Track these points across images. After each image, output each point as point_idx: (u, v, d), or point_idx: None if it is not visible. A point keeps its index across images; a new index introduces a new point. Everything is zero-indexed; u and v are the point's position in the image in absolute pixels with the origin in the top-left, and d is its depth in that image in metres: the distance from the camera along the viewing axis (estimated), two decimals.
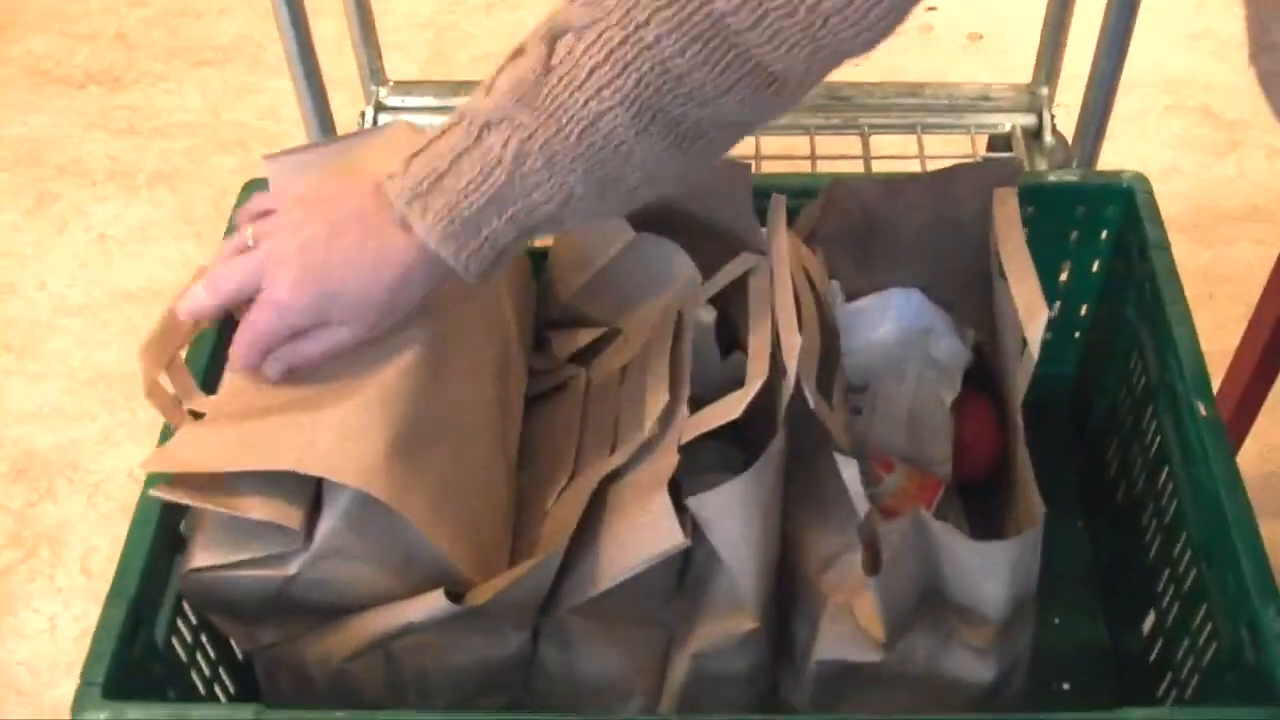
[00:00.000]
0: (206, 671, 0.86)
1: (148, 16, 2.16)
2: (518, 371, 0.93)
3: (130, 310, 1.65)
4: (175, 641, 0.82)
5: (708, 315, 0.93)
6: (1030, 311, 0.82)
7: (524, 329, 0.97)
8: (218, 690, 0.87)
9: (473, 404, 0.84)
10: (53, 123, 1.95)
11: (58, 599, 1.39)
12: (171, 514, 0.80)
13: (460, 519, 0.79)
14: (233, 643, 0.88)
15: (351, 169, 0.84)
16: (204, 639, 0.85)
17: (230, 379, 0.79)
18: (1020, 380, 0.84)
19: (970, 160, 1.28)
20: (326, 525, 0.74)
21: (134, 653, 0.77)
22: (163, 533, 0.80)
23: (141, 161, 1.83)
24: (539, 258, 1.01)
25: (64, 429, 1.54)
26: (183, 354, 0.82)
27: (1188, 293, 0.93)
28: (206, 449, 0.74)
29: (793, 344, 0.78)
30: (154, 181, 1.78)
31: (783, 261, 0.84)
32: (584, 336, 0.98)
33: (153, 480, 0.77)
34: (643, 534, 0.78)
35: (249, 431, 0.74)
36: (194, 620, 0.84)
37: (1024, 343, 0.82)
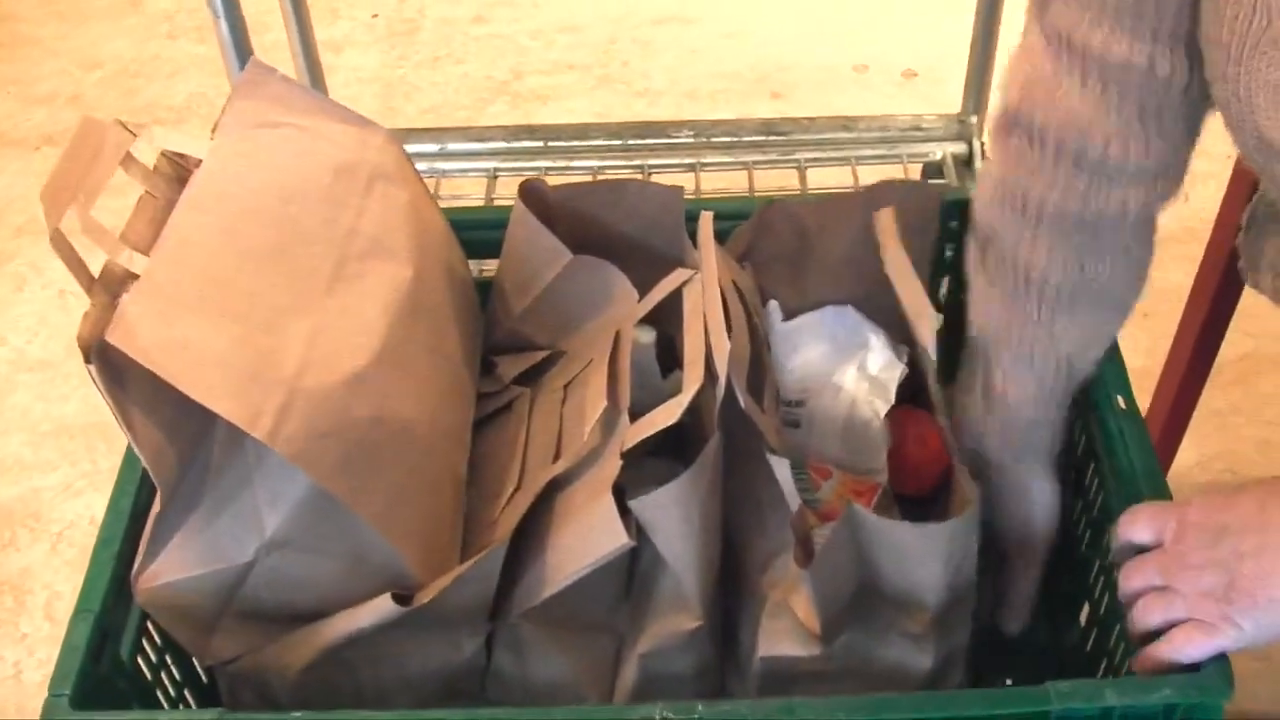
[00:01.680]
0: (171, 691, 0.88)
1: (102, 79, 2.20)
2: (465, 394, 0.97)
3: None
4: (141, 660, 0.85)
5: (647, 335, 0.97)
6: (918, 314, 0.87)
7: (471, 355, 1.00)
8: (182, 709, 0.89)
9: (422, 420, 0.87)
10: (9, 184, 1.98)
11: (22, 645, 1.40)
12: (136, 532, 0.82)
13: (412, 523, 0.82)
14: (195, 663, 0.90)
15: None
16: (169, 659, 0.88)
17: (174, 233, 0.78)
18: (930, 381, 0.88)
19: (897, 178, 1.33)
20: (281, 513, 0.77)
21: (101, 668, 0.79)
22: (127, 550, 0.82)
23: (98, 219, 1.86)
24: (484, 287, 1.04)
25: (26, 480, 1.56)
26: (97, 194, 0.77)
27: None
28: (173, 349, 0.72)
29: (723, 349, 0.82)
30: None
31: (712, 273, 0.88)
32: (528, 359, 1.01)
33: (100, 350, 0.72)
34: (589, 537, 0.81)
35: (220, 351, 0.74)
36: (159, 640, 0.86)
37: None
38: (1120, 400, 0.91)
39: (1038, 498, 0.94)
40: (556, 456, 0.90)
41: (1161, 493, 0.86)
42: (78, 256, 0.75)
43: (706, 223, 0.92)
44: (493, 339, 1.04)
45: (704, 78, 2.13)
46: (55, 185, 0.75)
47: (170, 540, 0.80)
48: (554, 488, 0.87)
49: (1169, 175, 0.86)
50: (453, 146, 1.59)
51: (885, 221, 0.96)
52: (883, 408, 1.02)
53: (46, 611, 1.43)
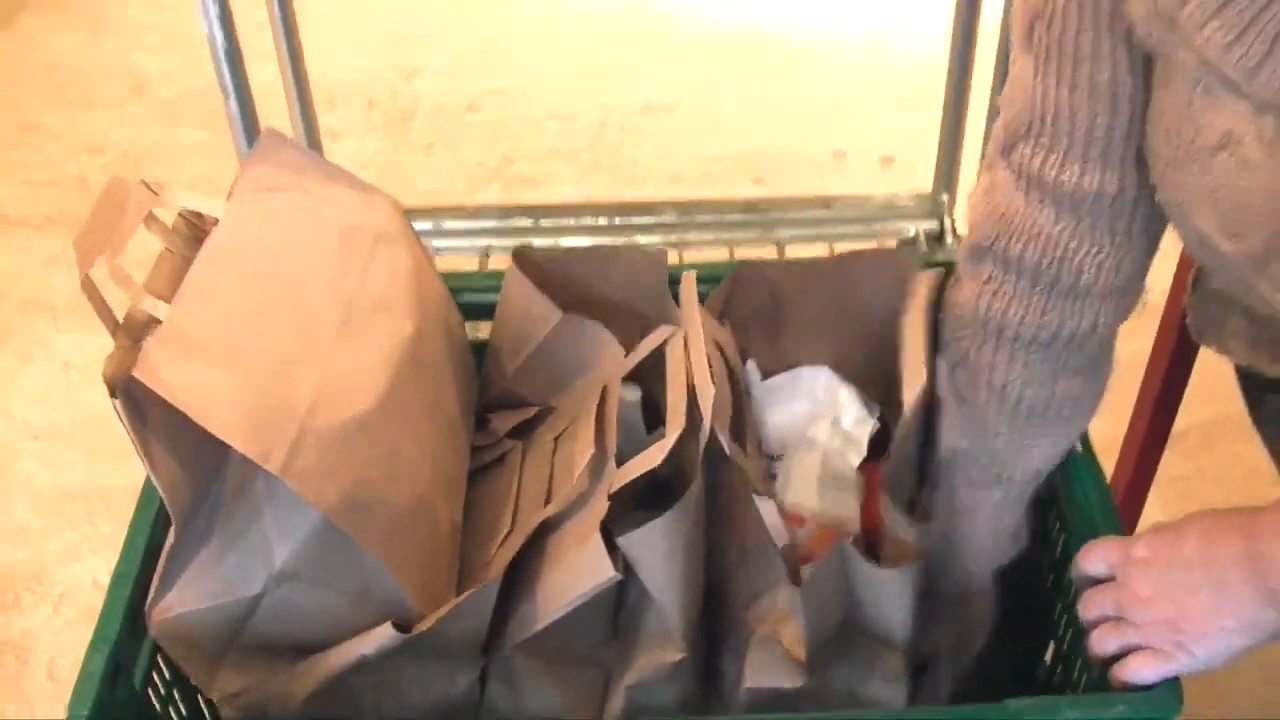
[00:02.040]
0: None
1: (106, 163, 2.27)
2: (461, 444, 1.02)
3: (93, 433, 1.73)
4: (151, 693, 0.89)
5: (633, 393, 1.02)
6: (911, 375, 0.93)
7: (466, 408, 1.06)
8: None
9: (421, 464, 0.93)
10: (15, 262, 2.05)
11: (24, 704, 1.44)
12: (150, 568, 0.87)
13: (412, 560, 0.87)
14: (200, 697, 0.94)
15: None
16: (176, 693, 0.92)
17: (193, 286, 0.84)
18: (898, 434, 0.94)
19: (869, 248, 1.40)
20: (290, 547, 0.83)
21: (116, 697, 0.84)
22: (141, 585, 0.87)
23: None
24: (479, 349, 1.11)
25: (29, 544, 1.61)
26: (124, 247, 0.83)
27: None
28: (193, 388, 0.77)
29: (707, 392, 0.87)
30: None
31: (695, 326, 0.94)
32: (520, 415, 1.07)
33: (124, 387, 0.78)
34: (579, 572, 0.86)
35: (235, 391, 0.79)
36: (168, 674, 0.91)
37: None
38: (1077, 445, 0.97)
39: (976, 605, 0.98)
40: (547, 502, 0.95)
41: (1116, 529, 0.92)
42: (105, 302, 0.80)
43: (690, 281, 0.98)
44: (487, 396, 1.10)
45: (688, 163, 2.21)
46: (86, 237, 0.81)
47: (184, 573, 0.85)
48: (545, 530, 0.92)
49: (1133, 288, 0.91)
50: (448, 224, 1.65)
51: (922, 283, 1.00)
52: (856, 460, 1.07)
53: (48, 671, 1.47)
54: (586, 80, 2.45)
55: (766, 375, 1.11)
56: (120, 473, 1.64)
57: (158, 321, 0.82)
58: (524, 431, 1.06)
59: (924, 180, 1.70)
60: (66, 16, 2.69)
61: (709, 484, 0.91)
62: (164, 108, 2.41)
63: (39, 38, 2.63)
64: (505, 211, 1.67)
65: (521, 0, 2.72)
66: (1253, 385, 1.01)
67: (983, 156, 1.50)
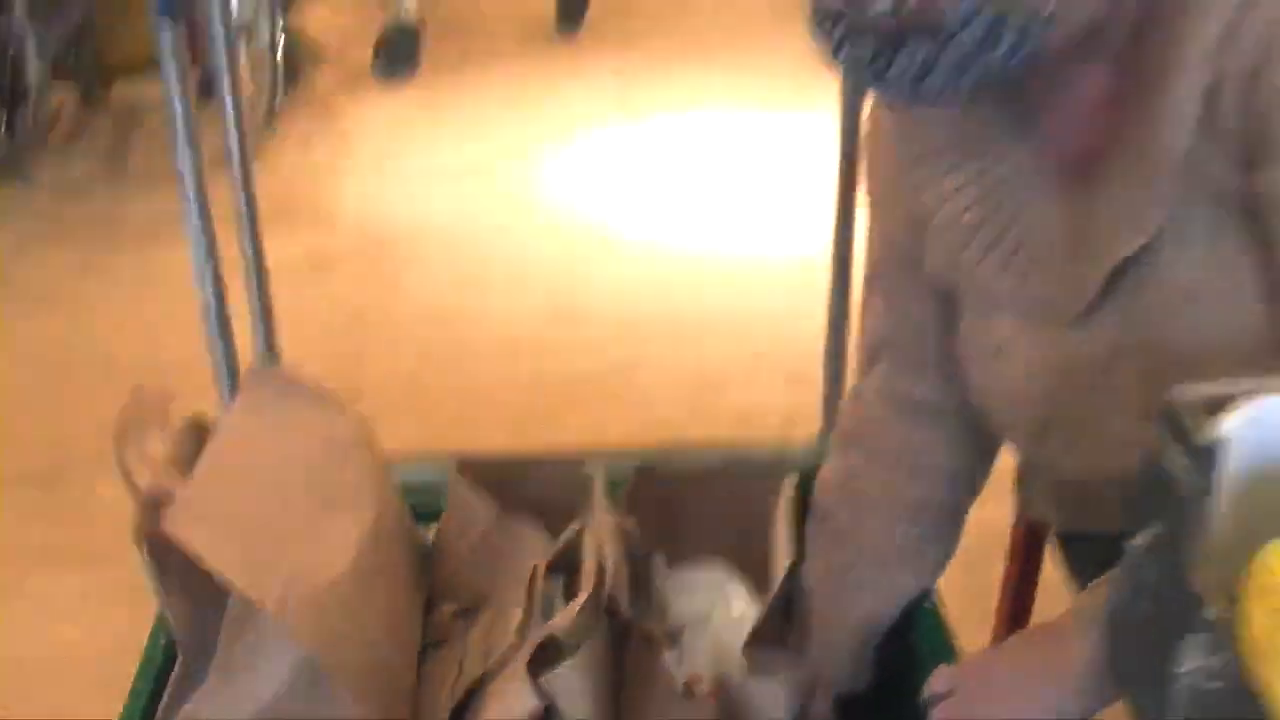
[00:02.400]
0: None
1: (77, 431, 2.47)
2: (414, 617, 1.23)
3: (66, 668, 1.88)
4: None
5: (556, 581, 1.24)
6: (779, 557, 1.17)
7: (418, 591, 1.27)
8: None
9: (381, 626, 1.14)
10: None
11: None
12: (161, 682, 1.05)
13: (375, 701, 1.07)
14: None
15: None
16: None
17: (200, 477, 1.07)
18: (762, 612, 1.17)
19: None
20: (275, 685, 1.02)
21: None
22: (152, 702, 1.06)
23: (74, 542, 2.10)
24: (427, 548, 1.32)
25: None
26: (146, 440, 1.08)
27: None
28: (205, 545, 0.98)
29: (607, 560, 1.09)
30: (86, 559, 2.05)
31: (601, 512, 1.17)
32: (463, 601, 1.27)
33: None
34: (508, 705, 1.06)
35: (238, 550, 1.01)
36: None
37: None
38: (926, 604, 1.22)
39: None
40: (487, 656, 1.15)
41: (956, 660, 1.15)
42: (134, 479, 1.02)
43: (599, 478, 1.21)
44: (434, 586, 1.30)
45: (609, 431, 2.46)
46: (119, 433, 1.05)
47: (185, 705, 1.03)
48: (484, 680, 1.12)
49: (974, 475, 1.17)
50: (396, 468, 1.87)
51: (788, 484, 1.28)
52: (739, 640, 1.28)
53: None
54: (515, 355, 2.71)
55: (671, 565, 1.32)
56: (84, 705, 1.79)
57: (173, 497, 1.04)
58: (466, 615, 1.26)
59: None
60: (44, 301, 2.95)
61: (619, 644, 1.12)
62: (134, 383, 2.63)
63: (15, 322, 2.87)
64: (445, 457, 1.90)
65: (453, 280, 3.01)
66: (1063, 540, 1.24)
67: None
